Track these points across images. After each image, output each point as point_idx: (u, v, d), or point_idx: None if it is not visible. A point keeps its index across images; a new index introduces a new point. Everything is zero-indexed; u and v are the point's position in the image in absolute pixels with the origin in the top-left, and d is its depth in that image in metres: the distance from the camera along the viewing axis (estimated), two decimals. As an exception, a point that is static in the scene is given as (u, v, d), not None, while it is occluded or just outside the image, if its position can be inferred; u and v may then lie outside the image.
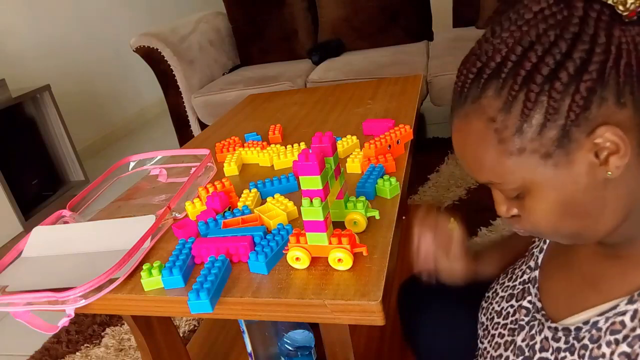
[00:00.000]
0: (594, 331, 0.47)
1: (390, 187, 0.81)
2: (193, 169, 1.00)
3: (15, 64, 2.88)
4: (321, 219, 0.64)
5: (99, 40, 3.58)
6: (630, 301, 0.45)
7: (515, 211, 0.50)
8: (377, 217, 0.74)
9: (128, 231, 0.83)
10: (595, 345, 0.46)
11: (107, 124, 3.63)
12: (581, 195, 0.44)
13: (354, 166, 0.94)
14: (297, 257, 0.67)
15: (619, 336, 0.45)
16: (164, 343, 0.98)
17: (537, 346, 0.54)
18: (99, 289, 0.70)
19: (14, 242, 1.07)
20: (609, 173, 0.42)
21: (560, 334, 0.51)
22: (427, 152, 2.36)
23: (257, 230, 0.74)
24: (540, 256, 0.62)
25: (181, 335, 1.44)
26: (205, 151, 1.12)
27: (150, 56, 2.48)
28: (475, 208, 1.85)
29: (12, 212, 2.26)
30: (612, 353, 0.45)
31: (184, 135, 2.67)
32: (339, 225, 0.73)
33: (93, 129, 3.48)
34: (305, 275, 0.66)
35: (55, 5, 3.22)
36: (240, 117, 1.53)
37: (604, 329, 0.46)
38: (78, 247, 0.84)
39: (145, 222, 0.84)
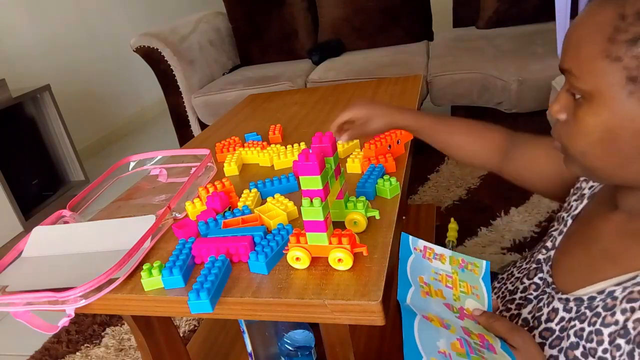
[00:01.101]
0: (608, 300, 0.48)
1: (390, 187, 0.81)
2: (193, 169, 1.00)
3: (15, 64, 2.88)
4: (321, 219, 0.64)
5: (99, 40, 3.58)
6: None
7: (563, 116, 0.50)
8: (377, 217, 0.74)
9: (128, 231, 0.83)
10: (609, 312, 0.47)
11: (107, 124, 3.63)
12: (627, 134, 0.44)
13: (354, 166, 0.94)
14: (297, 257, 0.67)
15: (636, 304, 0.45)
16: (164, 343, 0.98)
17: (543, 317, 0.55)
18: (99, 289, 0.70)
19: (14, 242, 1.07)
20: None
21: (571, 304, 0.52)
22: (427, 152, 2.36)
23: (257, 230, 0.74)
24: (559, 238, 0.62)
25: (181, 335, 1.44)
26: (205, 151, 1.12)
27: (150, 56, 2.48)
28: (475, 208, 1.85)
29: (12, 212, 2.26)
30: (626, 320, 0.45)
31: (184, 135, 2.67)
32: (339, 225, 0.73)
33: (93, 129, 3.48)
34: (305, 275, 0.66)
35: (55, 5, 3.22)
36: (240, 117, 1.53)
37: (619, 298, 0.47)
38: (78, 247, 0.84)
39: (145, 222, 0.84)
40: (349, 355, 0.76)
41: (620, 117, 0.44)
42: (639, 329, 0.44)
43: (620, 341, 0.45)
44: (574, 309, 0.52)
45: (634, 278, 0.47)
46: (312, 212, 0.64)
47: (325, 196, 0.65)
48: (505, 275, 0.70)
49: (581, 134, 0.47)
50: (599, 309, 0.48)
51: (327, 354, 0.78)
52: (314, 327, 1.02)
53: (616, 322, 0.46)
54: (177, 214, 0.90)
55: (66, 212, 0.98)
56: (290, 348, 1.03)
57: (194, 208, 0.88)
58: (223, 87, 2.52)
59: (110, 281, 0.70)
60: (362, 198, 0.75)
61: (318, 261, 0.68)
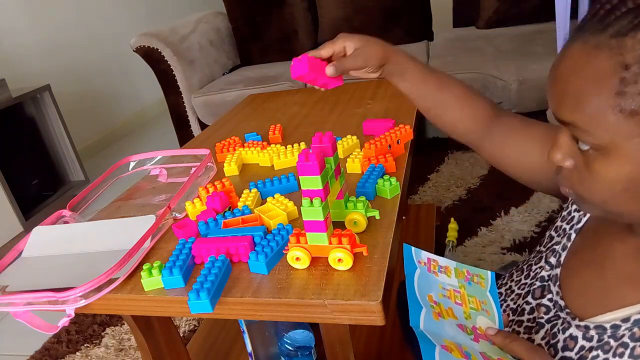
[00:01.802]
0: (635, 329, 0.45)
1: (390, 187, 0.81)
2: (193, 169, 1.00)
3: (15, 64, 2.88)
4: (321, 219, 0.64)
5: (99, 40, 3.58)
6: None
7: (569, 163, 0.46)
8: (377, 217, 0.74)
9: (128, 231, 0.83)
10: (638, 343, 0.44)
11: (107, 124, 3.63)
12: None
13: (354, 166, 0.94)
14: (297, 257, 0.67)
15: None
16: (164, 343, 0.98)
17: (560, 345, 0.52)
18: (99, 289, 0.70)
19: (14, 242, 1.07)
20: None
21: (592, 332, 0.49)
22: (427, 152, 2.36)
23: (257, 230, 0.74)
24: (564, 254, 0.59)
25: (181, 335, 1.44)
26: (205, 151, 1.12)
27: (150, 56, 2.48)
28: (475, 208, 1.85)
29: (12, 212, 2.26)
30: None
31: (184, 135, 2.67)
32: (339, 225, 0.73)
33: (93, 129, 3.48)
34: (305, 275, 0.66)
35: (55, 5, 3.22)
36: (240, 117, 1.53)
37: None
38: (78, 247, 0.84)
39: (145, 222, 0.84)
40: (349, 355, 0.76)
41: None
42: None
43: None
44: (596, 337, 0.48)
45: None
46: (312, 212, 0.64)
47: (325, 196, 0.65)
48: (503, 291, 0.67)
49: (601, 185, 0.43)
50: (626, 339, 0.45)
51: (327, 354, 0.78)
52: (314, 327, 1.02)
53: None
54: (177, 214, 0.90)
55: (66, 212, 0.98)
56: (290, 348, 1.03)
57: (194, 208, 0.88)
58: (223, 87, 2.52)
59: (110, 281, 0.70)
60: (362, 198, 0.75)
61: (318, 261, 0.68)
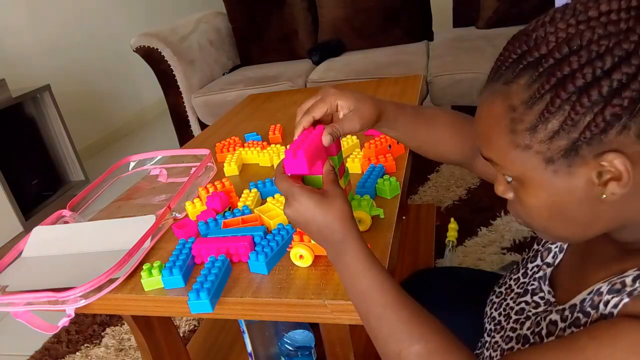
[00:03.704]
0: (595, 297, 0.47)
1: (390, 187, 0.81)
2: (193, 169, 1.00)
3: (15, 64, 2.88)
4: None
5: (99, 40, 3.58)
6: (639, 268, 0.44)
7: (510, 195, 0.51)
8: (382, 216, 0.73)
9: (128, 231, 0.83)
10: (595, 310, 0.46)
11: (107, 124, 3.63)
12: (573, 205, 0.45)
13: (354, 166, 0.94)
14: (300, 255, 0.67)
15: (617, 294, 0.44)
16: (164, 343, 0.98)
17: (544, 332, 0.54)
18: (99, 289, 0.70)
19: (14, 242, 1.07)
20: (604, 195, 0.43)
21: (567, 312, 0.51)
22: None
23: (257, 230, 0.74)
24: (560, 256, 0.61)
25: (181, 335, 1.44)
26: (205, 151, 1.12)
27: (150, 56, 2.48)
28: (475, 208, 1.85)
29: (12, 212, 2.26)
30: (606, 306, 0.45)
31: (184, 135, 2.66)
32: (340, 225, 0.73)
33: (93, 129, 3.48)
34: (305, 275, 0.66)
35: (55, 5, 3.22)
36: (240, 117, 1.53)
37: (604, 291, 0.46)
38: (78, 247, 0.84)
39: (145, 222, 0.84)
40: (349, 355, 0.76)
41: (557, 193, 0.45)
42: (610, 309, 0.44)
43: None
44: (569, 316, 0.51)
45: (620, 273, 0.46)
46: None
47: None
48: (503, 290, 0.67)
49: (531, 214, 0.48)
50: (588, 308, 0.48)
51: (327, 354, 0.78)
52: (314, 327, 1.02)
53: (602, 316, 0.45)
54: (177, 214, 0.90)
55: (66, 212, 0.98)
56: (290, 348, 1.03)
57: (194, 208, 0.88)
58: (223, 87, 2.52)
59: (110, 281, 0.70)
60: (367, 197, 0.75)
61: (318, 261, 0.68)
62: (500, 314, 0.66)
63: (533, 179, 0.45)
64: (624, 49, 0.38)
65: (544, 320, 0.55)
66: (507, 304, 0.65)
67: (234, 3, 2.85)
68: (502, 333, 0.63)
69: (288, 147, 0.60)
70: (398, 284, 0.53)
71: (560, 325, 0.52)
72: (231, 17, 2.91)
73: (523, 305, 0.62)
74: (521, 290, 0.64)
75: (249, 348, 1.09)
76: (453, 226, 1.71)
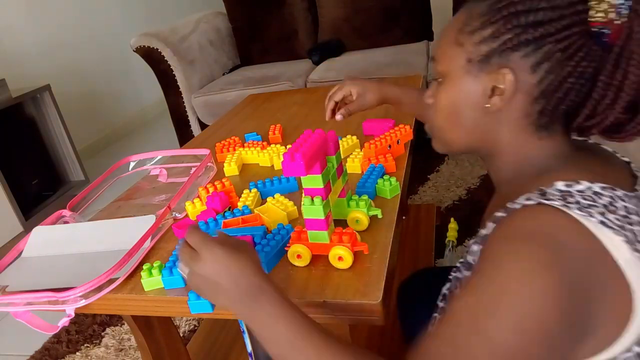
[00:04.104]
0: (489, 223, 0.54)
1: (390, 187, 0.81)
2: (193, 169, 1.00)
3: (15, 64, 2.88)
4: (322, 217, 0.64)
5: (99, 40, 3.58)
6: (494, 221, 0.52)
7: (431, 100, 0.62)
8: (380, 216, 0.73)
9: (128, 231, 0.83)
10: (474, 242, 0.56)
11: (107, 124, 3.63)
12: (465, 108, 0.56)
13: (354, 166, 0.94)
14: (298, 255, 0.67)
15: (477, 239, 0.55)
16: (164, 343, 0.98)
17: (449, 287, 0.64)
18: (99, 289, 0.70)
19: (14, 242, 1.07)
20: (488, 105, 0.54)
21: (474, 247, 0.58)
22: (427, 152, 2.36)
23: (257, 230, 0.74)
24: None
25: (181, 335, 1.44)
26: (205, 151, 1.12)
27: (150, 56, 2.48)
28: (475, 208, 1.85)
29: (12, 212, 2.26)
30: (471, 253, 0.56)
31: (184, 135, 2.66)
32: (341, 223, 0.73)
33: (93, 129, 3.48)
34: (305, 275, 0.66)
35: (55, 5, 3.22)
36: (240, 117, 1.53)
37: (498, 218, 0.52)
38: (78, 247, 0.84)
39: (145, 222, 0.84)
40: (349, 355, 0.76)
41: (460, 92, 0.56)
42: (493, 229, 0.51)
43: (475, 247, 0.55)
44: (462, 268, 0.60)
45: (513, 202, 0.52)
46: (313, 210, 0.64)
47: (327, 195, 0.65)
48: (459, 265, 0.73)
49: (437, 110, 0.60)
50: (472, 247, 0.57)
51: (327, 354, 0.77)
52: (314, 327, 1.02)
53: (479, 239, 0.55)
54: (177, 214, 0.90)
55: (66, 212, 0.98)
56: (290, 348, 1.02)
57: (194, 208, 0.88)
58: (223, 87, 2.52)
59: (110, 281, 0.70)
60: (365, 197, 0.75)
61: (318, 260, 0.68)
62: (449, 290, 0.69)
63: (451, 75, 0.56)
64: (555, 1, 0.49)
65: (456, 280, 0.63)
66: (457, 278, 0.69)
67: (234, 3, 2.85)
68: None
69: (286, 149, 0.61)
70: (322, 327, 0.51)
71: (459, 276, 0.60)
72: (231, 17, 2.91)
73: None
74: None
75: (249, 348, 1.09)
76: (453, 226, 1.70)
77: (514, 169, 0.57)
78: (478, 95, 0.54)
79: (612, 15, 0.47)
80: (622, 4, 0.47)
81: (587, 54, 0.49)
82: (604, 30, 0.48)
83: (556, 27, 0.49)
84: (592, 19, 0.48)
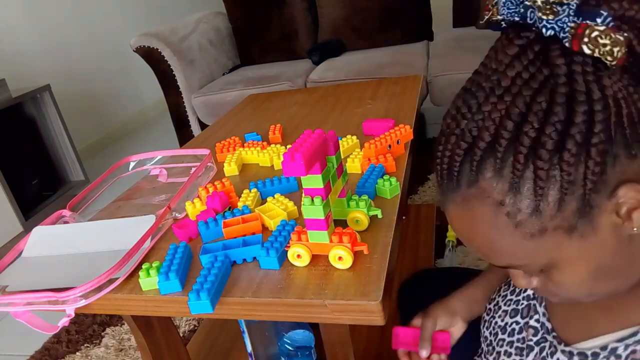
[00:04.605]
0: (612, 358, 0.45)
1: (390, 187, 0.81)
2: (193, 169, 1.00)
3: (15, 64, 2.88)
4: (322, 217, 0.64)
5: (99, 40, 3.58)
6: None
7: (535, 283, 0.48)
8: (380, 216, 0.73)
9: (128, 231, 0.83)
10: None
11: (107, 124, 3.63)
12: (610, 257, 0.42)
13: (354, 166, 0.94)
14: (298, 255, 0.67)
15: None
16: (164, 343, 0.98)
17: None
18: (99, 289, 0.69)
19: (14, 242, 1.07)
20: (635, 229, 0.39)
21: (575, 358, 0.49)
22: (427, 152, 2.36)
23: (255, 239, 0.74)
24: None
25: (181, 335, 1.44)
26: (205, 151, 1.12)
27: (150, 56, 2.48)
28: (475, 208, 1.85)
29: (12, 212, 2.26)
30: None
31: (184, 135, 2.66)
32: (341, 223, 0.73)
33: (93, 129, 3.48)
34: (305, 275, 0.66)
35: (55, 5, 3.22)
36: (240, 117, 1.53)
37: (623, 357, 0.44)
38: (78, 247, 0.84)
39: (145, 222, 0.84)
40: (349, 355, 0.76)
41: (592, 255, 0.41)
42: None
43: None
44: None
45: (634, 334, 0.45)
46: (313, 210, 0.64)
47: (327, 195, 0.65)
48: (492, 307, 0.66)
49: (573, 288, 0.45)
50: None
51: (327, 354, 0.78)
52: (314, 327, 1.02)
53: None
54: (177, 214, 0.90)
55: (66, 212, 0.98)
56: (290, 348, 1.03)
57: (194, 208, 0.88)
58: (223, 87, 2.52)
59: (110, 281, 0.70)
60: (365, 197, 0.75)
61: (318, 260, 0.68)
62: (490, 334, 0.65)
63: (564, 257, 0.41)
64: (562, 94, 0.36)
65: (549, 356, 0.53)
66: (496, 323, 0.64)
67: (234, 3, 2.85)
68: (494, 355, 0.62)
69: (286, 149, 0.60)
70: None
71: None
72: (231, 17, 2.91)
73: (514, 326, 0.60)
74: (509, 309, 0.62)
75: (249, 348, 1.09)
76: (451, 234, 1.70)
77: None
78: (612, 237, 0.40)
79: (614, 34, 0.35)
80: (609, 25, 0.35)
81: (629, 83, 0.37)
82: (610, 60, 0.36)
83: (599, 108, 0.36)
84: (613, 60, 0.35)
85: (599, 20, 0.35)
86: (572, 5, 0.35)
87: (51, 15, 3.20)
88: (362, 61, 2.45)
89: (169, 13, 4.26)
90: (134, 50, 2.50)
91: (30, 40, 3.03)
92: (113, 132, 3.66)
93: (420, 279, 0.97)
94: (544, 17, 0.36)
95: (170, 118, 2.66)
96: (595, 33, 0.35)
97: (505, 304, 0.63)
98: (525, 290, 0.61)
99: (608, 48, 0.35)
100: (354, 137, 1.05)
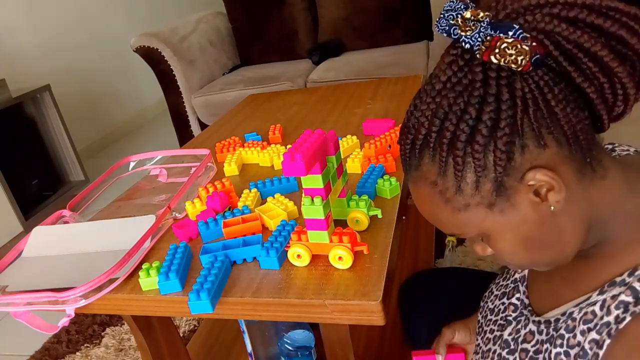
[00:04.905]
0: (569, 321, 0.50)
1: (390, 187, 0.81)
2: (193, 169, 1.00)
3: (15, 64, 2.88)
4: (322, 217, 0.64)
5: (99, 40, 3.58)
6: (600, 292, 0.48)
7: (489, 250, 0.53)
8: (380, 216, 0.73)
9: (128, 231, 0.83)
10: (571, 334, 0.49)
11: (107, 124, 3.63)
12: (534, 230, 0.47)
13: (354, 166, 0.94)
14: (298, 255, 0.67)
15: (591, 324, 0.47)
16: (164, 343, 0.98)
17: (520, 339, 0.57)
18: (99, 289, 0.70)
19: (14, 242, 1.07)
20: (552, 207, 0.45)
21: (542, 326, 0.54)
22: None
23: (255, 239, 0.74)
24: None
25: (181, 335, 1.44)
26: (205, 151, 1.12)
27: (150, 56, 2.48)
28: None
29: (12, 212, 2.26)
30: (584, 340, 0.47)
31: (184, 135, 2.66)
32: (341, 223, 0.73)
33: (93, 129, 3.48)
34: (305, 275, 0.66)
35: (55, 5, 3.22)
36: (240, 117, 1.53)
37: (578, 319, 0.49)
38: (78, 247, 0.84)
39: (145, 222, 0.84)
40: (349, 355, 0.76)
41: (516, 227, 0.47)
42: (595, 349, 0.46)
43: (594, 335, 0.47)
44: (544, 331, 0.54)
45: (588, 299, 0.49)
46: (313, 210, 0.64)
47: (327, 195, 0.65)
48: (487, 294, 0.70)
49: (512, 255, 0.50)
50: (562, 331, 0.50)
51: (327, 354, 0.78)
52: (314, 327, 1.02)
53: (578, 344, 0.48)
54: (177, 214, 0.90)
55: (66, 212, 0.98)
56: (290, 348, 1.03)
57: (194, 208, 0.88)
58: (223, 87, 2.52)
59: (110, 281, 0.70)
60: (365, 197, 0.75)
61: (318, 260, 0.68)
62: (482, 317, 0.68)
63: (490, 228, 0.48)
64: (476, 96, 0.43)
65: (524, 328, 0.58)
66: (487, 306, 0.67)
67: (234, 3, 2.85)
68: (482, 335, 0.65)
69: (286, 149, 0.61)
70: None
71: (537, 337, 0.55)
72: (231, 17, 2.91)
73: (500, 306, 0.64)
74: (499, 293, 0.66)
75: (249, 348, 1.09)
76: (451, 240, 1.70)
77: (617, 227, 0.49)
78: (533, 212, 0.46)
79: (520, 45, 0.41)
80: (517, 34, 0.41)
81: (545, 84, 0.42)
82: (516, 67, 0.42)
83: (505, 107, 0.42)
84: (519, 67, 0.42)
85: (510, 33, 0.41)
86: (484, 22, 0.42)
87: (51, 16, 3.20)
88: (362, 61, 2.45)
89: (169, 13, 4.26)
90: (134, 50, 2.50)
91: (30, 41, 3.03)
92: (113, 132, 3.66)
93: (420, 279, 0.97)
94: (462, 33, 0.43)
95: (170, 118, 2.66)
96: (504, 45, 0.42)
97: (497, 289, 0.68)
98: (514, 275, 0.65)
99: (513, 57, 0.41)
100: (354, 137, 1.05)
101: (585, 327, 0.48)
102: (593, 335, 0.46)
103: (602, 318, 0.46)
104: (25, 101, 2.54)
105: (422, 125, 0.47)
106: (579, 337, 0.48)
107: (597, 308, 0.47)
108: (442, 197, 0.48)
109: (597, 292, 0.48)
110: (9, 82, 2.49)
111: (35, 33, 3.07)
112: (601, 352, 0.45)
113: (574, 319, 0.49)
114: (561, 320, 0.51)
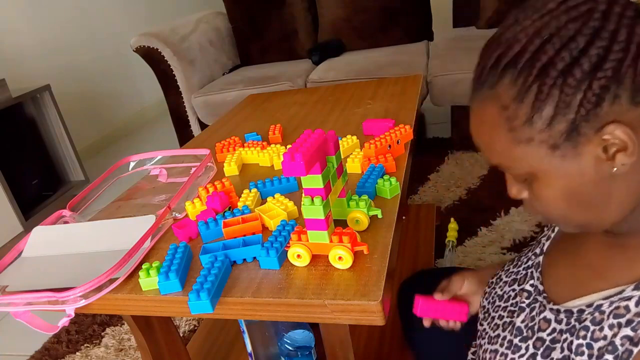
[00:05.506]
0: (597, 314, 0.48)
1: (390, 187, 0.81)
2: (193, 169, 1.00)
3: (15, 64, 2.88)
4: (322, 217, 0.64)
5: (99, 40, 3.58)
6: (637, 287, 0.45)
7: (525, 194, 0.51)
8: (380, 216, 0.73)
9: (128, 231, 0.83)
10: (598, 327, 0.47)
11: (107, 124, 3.63)
12: (587, 186, 0.45)
13: (354, 166, 0.94)
14: (298, 255, 0.67)
15: (622, 320, 0.45)
16: (164, 343, 0.98)
17: (536, 327, 0.55)
18: (99, 289, 0.69)
19: (14, 242, 1.07)
20: (615, 169, 0.43)
21: (562, 315, 0.52)
22: (427, 152, 2.36)
23: (255, 239, 0.74)
24: (547, 243, 0.62)
25: (181, 335, 1.44)
26: (205, 151, 1.12)
27: (150, 56, 2.48)
28: (475, 208, 1.85)
29: (12, 212, 2.26)
30: (614, 335, 0.45)
31: (184, 135, 2.67)
32: (341, 223, 0.73)
33: (93, 129, 3.48)
34: (305, 275, 0.66)
35: (55, 5, 3.22)
36: (240, 117, 1.53)
37: (607, 312, 0.47)
38: (78, 247, 0.84)
39: (145, 222, 0.84)
40: (349, 355, 0.76)
41: (569, 177, 0.45)
42: (627, 345, 0.44)
43: (609, 357, 0.45)
44: (564, 320, 0.52)
45: (620, 292, 0.47)
46: (313, 210, 0.64)
47: (327, 195, 0.65)
48: (494, 279, 0.69)
49: (549, 205, 0.48)
50: (587, 323, 0.48)
51: (327, 354, 0.78)
52: (314, 327, 1.02)
53: (604, 337, 0.46)
54: (177, 214, 0.90)
55: (66, 212, 0.98)
56: (290, 348, 1.03)
57: (194, 208, 0.88)
58: (223, 87, 2.52)
59: (110, 281, 0.70)
60: (365, 197, 0.75)
61: (318, 260, 0.68)
62: (488, 302, 0.67)
63: (543, 170, 0.45)
64: (591, 27, 0.40)
65: (538, 315, 0.56)
66: (496, 293, 0.66)
67: (234, 3, 2.85)
68: (488, 320, 0.64)
69: (286, 149, 0.60)
70: None
71: (554, 325, 0.53)
72: (231, 17, 2.91)
73: (510, 293, 0.63)
74: (509, 279, 0.65)
75: (249, 348, 1.09)
76: (453, 226, 1.70)
77: None
78: (593, 168, 0.43)
79: None
80: None
81: None
82: None
83: (618, 49, 0.39)
84: None
85: None
86: None
87: (51, 16, 3.20)
88: (362, 61, 2.45)
89: (169, 13, 4.26)
90: (134, 50, 2.50)
91: (30, 41, 3.03)
92: (113, 132, 3.66)
93: (420, 279, 0.97)
94: None
95: (170, 118, 2.67)
96: None
97: (506, 276, 0.66)
98: (527, 262, 0.63)
99: None
100: (354, 137, 1.05)
101: (615, 321, 0.46)
102: (627, 331, 0.44)
103: (638, 315, 0.44)
104: (25, 101, 2.54)
105: (518, 40, 0.43)
106: (607, 331, 0.46)
107: (631, 304, 0.45)
108: (507, 124, 0.45)
109: (632, 287, 0.46)
110: (9, 82, 2.49)
111: (35, 33, 3.07)
112: (635, 350, 0.43)
113: (602, 312, 0.47)
114: (586, 312, 0.49)
